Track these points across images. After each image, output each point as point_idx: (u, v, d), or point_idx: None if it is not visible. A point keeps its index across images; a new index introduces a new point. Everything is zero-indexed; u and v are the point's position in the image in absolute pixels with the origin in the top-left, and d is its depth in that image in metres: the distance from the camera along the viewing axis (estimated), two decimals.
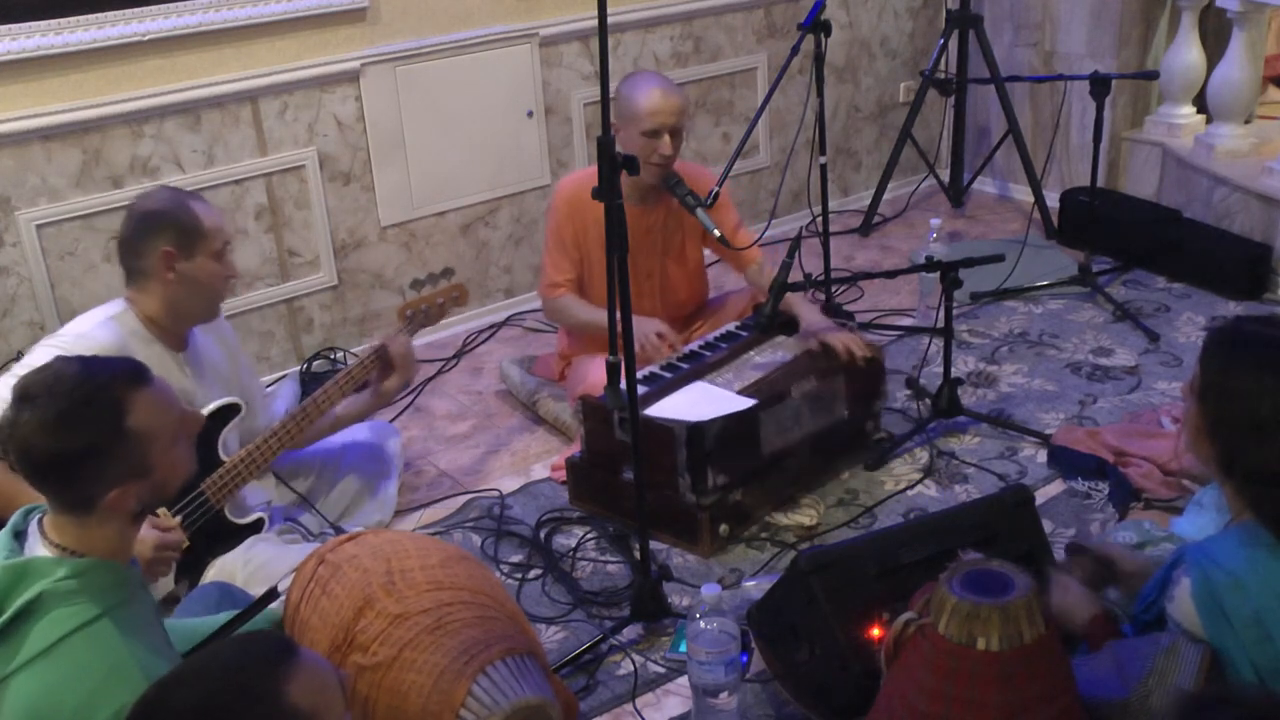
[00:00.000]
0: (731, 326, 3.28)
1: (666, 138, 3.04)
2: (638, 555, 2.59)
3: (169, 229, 2.52)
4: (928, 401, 3.31)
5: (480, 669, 1.86)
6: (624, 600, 2.66)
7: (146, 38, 3.32)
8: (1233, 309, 3.94)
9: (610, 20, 2.35)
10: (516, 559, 2.88)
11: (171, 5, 3.34)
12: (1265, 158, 4.15)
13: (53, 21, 3.17)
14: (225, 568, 2.53)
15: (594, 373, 3.04)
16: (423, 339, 3.78)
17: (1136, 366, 3.60)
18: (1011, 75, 4.50)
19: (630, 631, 2.57)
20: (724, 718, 2.24)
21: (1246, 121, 4.39)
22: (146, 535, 2.14)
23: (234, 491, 2.59)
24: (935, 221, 3.94)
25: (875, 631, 2.10)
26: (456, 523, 3.03)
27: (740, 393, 2.89)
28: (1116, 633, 1.99)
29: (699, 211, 3.00)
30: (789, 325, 3.16)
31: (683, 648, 2.41)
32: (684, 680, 2.41)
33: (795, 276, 2.98)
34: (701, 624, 2.22)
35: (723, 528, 2.82)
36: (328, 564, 2.06)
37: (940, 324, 3.16)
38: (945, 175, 5.12)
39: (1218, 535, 1.94)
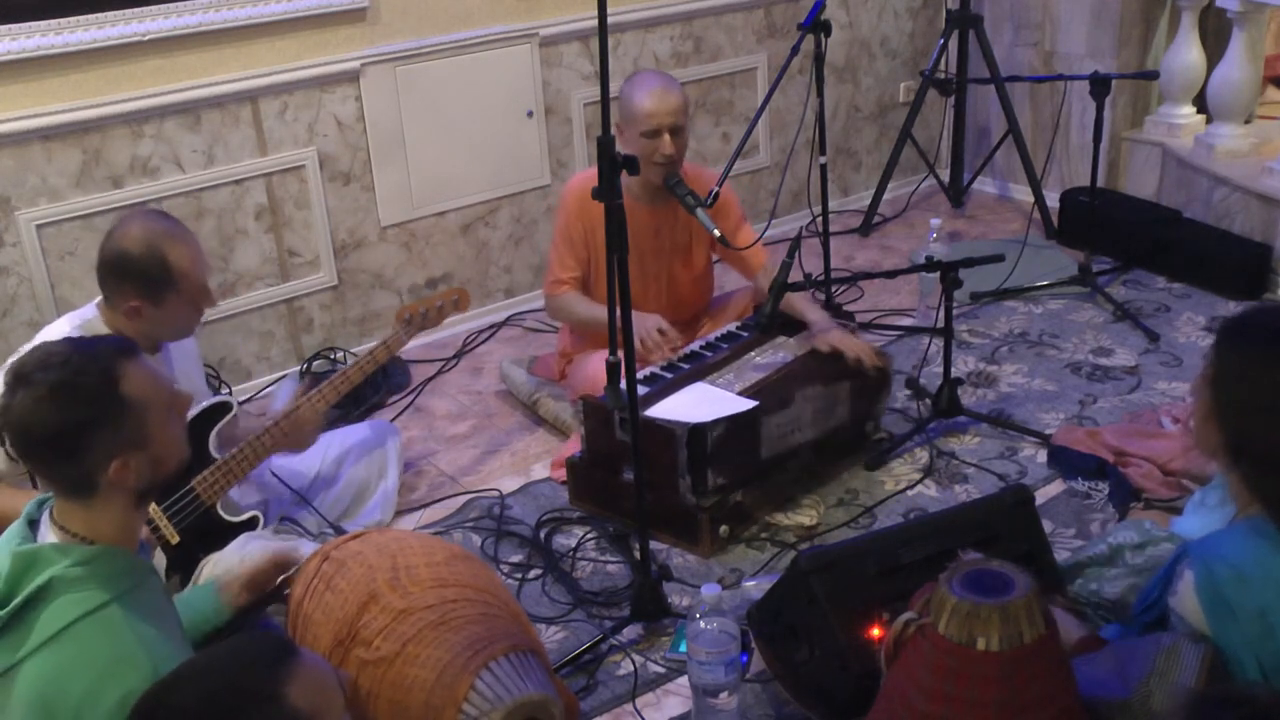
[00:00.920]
0: (732, 326, 3.27)
1: (666, 137, 3.02)
2: (638, 555, 2.59)
3: (136, 280, 2.47)
4: (928, 401, 3.31)
5: (483, 664, 1.86)
6: (624, 600, 2.66)
7: (146, 38, 3.31)
8: (1233, 309, 3.93)
9: (610, 20, 2.35)
10: (516, 559, 2.88)
11: (171, 5, 3.34)
12: (1265, 158, 4.15)
13: (53, 21, 3.17)
14: (219, 565, 2.53)
15: (594, 365, 3.04)
16: (423, 339, 3.79)
17: (1136, 366, 3.60)
18: (1011, 75, 4.50)
19: (630, 631, 2.57)
20: (724, 718, 2.23)
21: (1246, 121, 4.39)
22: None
23: (225, 489, 2.61)
24: (935, 221, 3.94)
25: (875, 631, 2.09)
26: (456, 523, 3.03)
27: (741, 394, 2.89)
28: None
29: (699, 211, 2.98)
30: (790, 325, 3.15)
31: (683, 648, 2.41)
32: (684, 680, 2.41)
33: (795, 276, 2.98)
34: (701, 624, 2.22)
35: (723, 529, 2.82)
36: (332, 560, 2.06)
37: (940, 324, 3.16)
38: (945, 175, 5.12)
39: (1223, 530, 1.94)
